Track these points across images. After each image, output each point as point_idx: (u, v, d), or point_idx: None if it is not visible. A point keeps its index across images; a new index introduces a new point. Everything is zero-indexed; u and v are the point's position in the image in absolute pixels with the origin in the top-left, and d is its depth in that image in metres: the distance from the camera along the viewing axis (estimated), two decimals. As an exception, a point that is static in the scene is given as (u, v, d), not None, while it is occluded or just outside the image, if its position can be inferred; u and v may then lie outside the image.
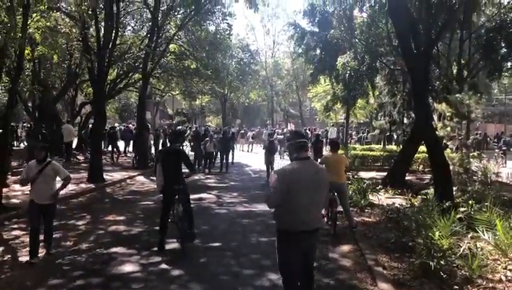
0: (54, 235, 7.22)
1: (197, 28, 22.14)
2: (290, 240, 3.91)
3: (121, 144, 22.63)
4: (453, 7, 12.79)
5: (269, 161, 15.73)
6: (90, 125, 22.77)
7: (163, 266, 6.31)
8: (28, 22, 11.13)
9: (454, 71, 16.94)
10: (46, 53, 14.50)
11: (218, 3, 21.50)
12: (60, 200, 10.83)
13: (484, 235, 6.39)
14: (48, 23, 12.23)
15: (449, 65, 17.27)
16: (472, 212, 7.88)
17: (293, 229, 3.88)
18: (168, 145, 7.40)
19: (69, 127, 19.66)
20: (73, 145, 21.73)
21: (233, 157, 20.14)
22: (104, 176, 14.50)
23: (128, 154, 22.95)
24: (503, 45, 15.52)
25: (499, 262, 6.05)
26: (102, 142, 21.81)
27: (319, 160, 12.09)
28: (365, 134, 31.84)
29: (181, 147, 7.97)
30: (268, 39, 60.15)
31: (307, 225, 3.90)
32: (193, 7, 18.70)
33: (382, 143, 24.95)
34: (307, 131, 29.32)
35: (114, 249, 7.05)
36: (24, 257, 6.55)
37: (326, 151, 17.70)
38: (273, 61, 55.94)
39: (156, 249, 6.92)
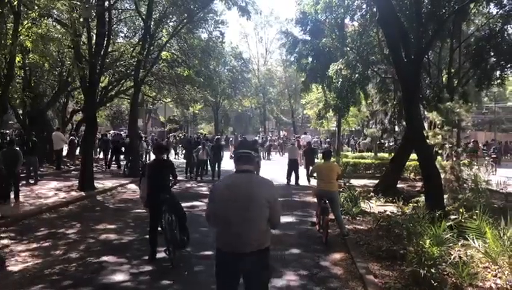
0: (43, 245, 7.11)
1: (189, 36, 22.20)
2: (220, 261, 3.58)
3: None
4: (442, 16, 12.93)
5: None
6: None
7: (154, 275, 6.26)
8: (19, 29, 11.11)
9: (445, 79, 17.10)
10: (37, 60, 14.45)
11: (211, 11, 21.64)
12: (49, 209, 10.85)
13: (474, 243, 6.42)
14: (39, 30, 12.19)
15: (439, 74, 17.43)
16: (463, 220, 7.92)
17: (223, 250, 3.54)
18: (154, 157, 7.37)
19: (59, 135, 19.51)
20: (64, 153, 21.58)
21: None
22: (95, 184, 14.40)
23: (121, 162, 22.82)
24: (492, 54, 15.69)
25: (489, 270, 6.08)
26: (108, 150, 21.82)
27: (311, 168, 12.20)
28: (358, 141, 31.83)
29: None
30: (261, 47, 60.43)
31: (237, 246, 3.45)
32: (186, 15, 18.77)
33: (374, 151, 25.06)
34: (298, 139, 29.30)
35: (104, 258, 6.99)
36: (12, 266, 6.48)
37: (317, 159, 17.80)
38: (266, 69, 56.14)
39: (146, 258, 6.88)
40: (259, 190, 3.50)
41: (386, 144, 26.58)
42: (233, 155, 3.86)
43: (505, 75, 16.71)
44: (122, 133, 29.42)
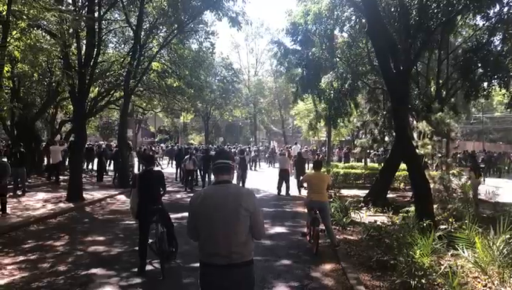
0: (30, 257, 6.97)
1: (179, 46, 22.23)
2: (203, 273, 3.46)
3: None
4: (430, 28, 13.11)
5: (242, 177, 16.77)
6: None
7: (144, 287, 6.19)
8: (8, 39, 11.04)
9: (433, 90, 17.28)
10: (26, 71, 14.35)
11: (201, 22, 21.70)
12: (37, 221, 10.71)
13: (464, 253, 6.44)
14: (29, 41, 12.12)
15: (428, 84, 17.62)
16: (452, 230, 7.96)
17: (205, 261, 3.43)
18: (143, 168, 7.34)
19: (57, 148, 19.34)
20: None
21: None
22: (84, 195, 14.26)
23: (110, 173, 22.67)
24: (479, 65, 15.88)
25: (478, 280, 6.10)
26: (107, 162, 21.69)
27: (301, 177, 12.22)
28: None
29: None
30: (251, 58, 60.84)
31: (219, 258, 3.34)
32: (176, 25, 18.81)
33: (364, 161, 25.24)
34: (289, 149, 29.38)
35: (93, 271, 6.89)
36: (5, 278, 6.36)
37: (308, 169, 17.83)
38: (256, 80, 56.35)
39: (136, 270, 6.80)
40: (237, 199, 3.40)
41: (372, 154, 26.78)
42: (211, 166, 3.77)
43: (492, 87, 16.89)
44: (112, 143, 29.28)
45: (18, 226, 10.09)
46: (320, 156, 26.09)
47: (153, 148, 33.34)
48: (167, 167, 29.09)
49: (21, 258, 7.59)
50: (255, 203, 3.48)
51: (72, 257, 7.75)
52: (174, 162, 24.38)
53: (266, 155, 37.10)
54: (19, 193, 14.58)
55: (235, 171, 16.13)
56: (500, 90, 17.62)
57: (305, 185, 8.89)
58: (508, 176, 29.96)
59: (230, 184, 3.57)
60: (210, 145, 30.89)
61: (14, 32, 11.61)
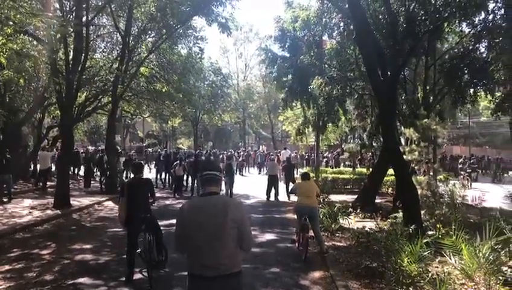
0: (16, 266, 6.86)
1: (168, 51, 22.15)
2: (191, 285, 3.42)
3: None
4: (417, 35, 13.24)
5: (229, 183, 16.53)
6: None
7: (131, 297, 6.14)
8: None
9: (420, 96, 17.44)
10: (12, 77, 14.20)
11: (190, 27, 21.66)
12: (23, 228, 10.57)
13: (451, 259, 6.49)
14: (15, 46, 12.00)
15: (415, 90, 17.79)
16: (440, 236, 8.01)
17: (194, 273, 3.39)
18: (132, 175, 7.29)
19: (45, 154, 19.11)
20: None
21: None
22: (71, 202, 14.12)
23: (97, 179, 22.47)
24: (465, 72, 16.07)
25: (465, 286, 6.14)
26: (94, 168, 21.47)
27: (291, 184, 12.26)
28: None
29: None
30: (240, 62, 60.92)
31: (207, 269, 3.32)
32: (164, 31, 18.75)
33: (352, 166, 25.35)
34: (278, 155, 29.41)
35: (80, 280, 6.81)
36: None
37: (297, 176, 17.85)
38: (245, 84, 56.41)
39: (123, 279, 6.74)
40: (224, 211, 3.37)
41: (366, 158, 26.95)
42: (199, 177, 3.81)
43: (478, 93, 17.10)
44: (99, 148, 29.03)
45: (3, 234, 9.94)
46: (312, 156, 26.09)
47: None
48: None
49: (6, 267, 7.48)
50: (242, 214, 3.47)
51: (58, 265, 7.65)
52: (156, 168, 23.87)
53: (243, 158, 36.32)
54: (5, 199, 14.39)
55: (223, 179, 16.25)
56: (486, 97, 17.85)
57: (295, 192, 8.98)
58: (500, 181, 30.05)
59: (218, 196, 3.57)
60: (198, 151, 30.81)
61: (0, 37, 11.49)
